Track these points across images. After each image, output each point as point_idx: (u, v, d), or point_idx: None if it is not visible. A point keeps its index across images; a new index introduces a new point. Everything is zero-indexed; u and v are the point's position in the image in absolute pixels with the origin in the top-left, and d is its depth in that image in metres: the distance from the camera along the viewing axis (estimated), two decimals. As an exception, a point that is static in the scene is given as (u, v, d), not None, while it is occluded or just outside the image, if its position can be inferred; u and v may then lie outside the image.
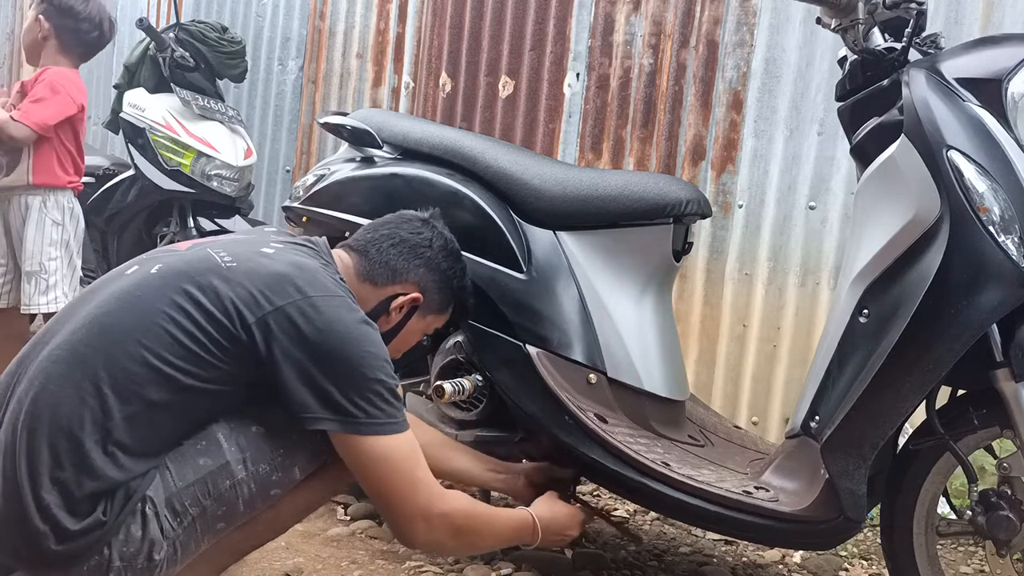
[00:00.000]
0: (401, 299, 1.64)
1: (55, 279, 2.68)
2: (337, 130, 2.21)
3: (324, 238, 1.64)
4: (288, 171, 4.42)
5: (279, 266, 1.43)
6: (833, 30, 1.75)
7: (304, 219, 2.22)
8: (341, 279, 1.54)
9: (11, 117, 2.58)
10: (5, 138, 2.57)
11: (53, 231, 2.69)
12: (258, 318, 1.36)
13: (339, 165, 2.21)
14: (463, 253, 1.75)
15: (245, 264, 1.42)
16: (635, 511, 2.58)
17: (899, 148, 1.60)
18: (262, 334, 1.36)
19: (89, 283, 3.87)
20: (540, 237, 2.01)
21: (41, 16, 2.70)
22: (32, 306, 2.67)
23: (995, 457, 1.63)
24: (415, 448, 1.44)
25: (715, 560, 2.29)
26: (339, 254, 1.63)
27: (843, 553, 2.38)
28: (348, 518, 2.29)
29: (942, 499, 1.71)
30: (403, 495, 1.43)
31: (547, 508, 1.73)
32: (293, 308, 1.37)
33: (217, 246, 1.48)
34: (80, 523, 1.30)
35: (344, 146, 2.26)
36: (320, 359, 1.37)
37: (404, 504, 1.44)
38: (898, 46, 1.66)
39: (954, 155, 1.52)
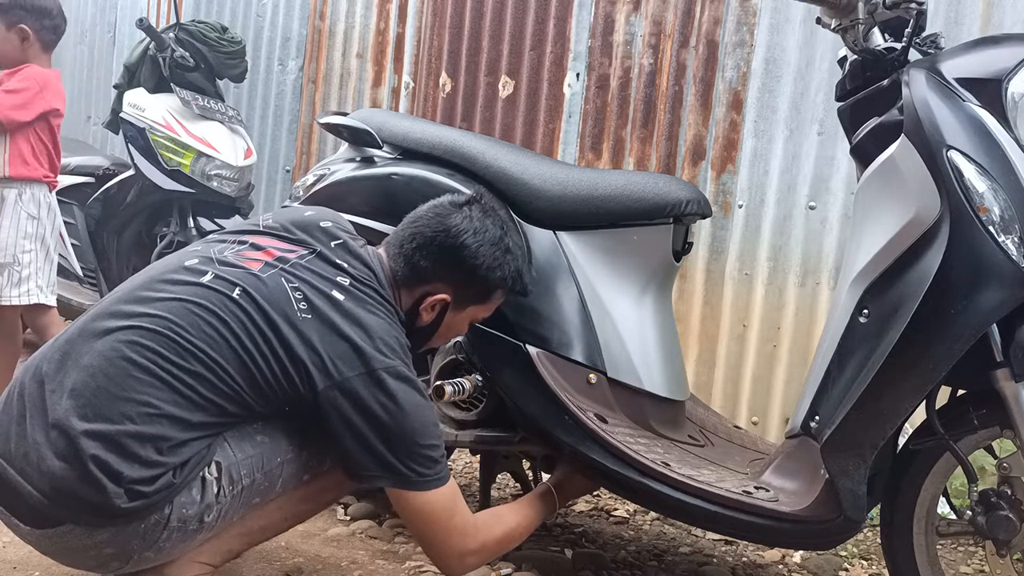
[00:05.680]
0: (429, 300, 1.67)
1: (28, 271, 2.67)
2: (337, 130, 2.21)
3: (380, 253, 1.68)
4: (288, 171, 4.42)
5: (348, 330, 1.50)
6: (833, 30, 1.75)
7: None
8: (390, 303, 1.60)
9: None
10: None
11: (28, 224, 2.68)
12: (325, 386, 1.47)
13: (339, 165, 2.20)
14: None
15: (318, 317, 1.50)
16: (635, 511, 2.58)
17: (899, 148, 1.60)
18: (327, 401, 1.48)
19: (89, 283, 3.87)
20: (540, 237, 2.01)
21: (23, 25, 2.68)
22: (4, 298, 2.65)
23: (995, 457, 1.63)
24: (453, 497, 1.59)
25: (715, 560, 2.29)
26: (384, 264, 1.66)
27: (843, 553, 2.38)
28: (348, 518, 2.29)
29: (942, 499, 1.72)
30: (440, 541, 1.60)
31: (560, 473, 1.94)
32: (358, 381, 1.48)
33: (293, 277, 1.53)
34: (152, 486, 1.38)
35: (344, 146, 2.26)
36: (379, 431, 1.49)
37: (441, 548, 1.61)
38: (898, 46, 1.66)
39: (954, 155, 1.52)
